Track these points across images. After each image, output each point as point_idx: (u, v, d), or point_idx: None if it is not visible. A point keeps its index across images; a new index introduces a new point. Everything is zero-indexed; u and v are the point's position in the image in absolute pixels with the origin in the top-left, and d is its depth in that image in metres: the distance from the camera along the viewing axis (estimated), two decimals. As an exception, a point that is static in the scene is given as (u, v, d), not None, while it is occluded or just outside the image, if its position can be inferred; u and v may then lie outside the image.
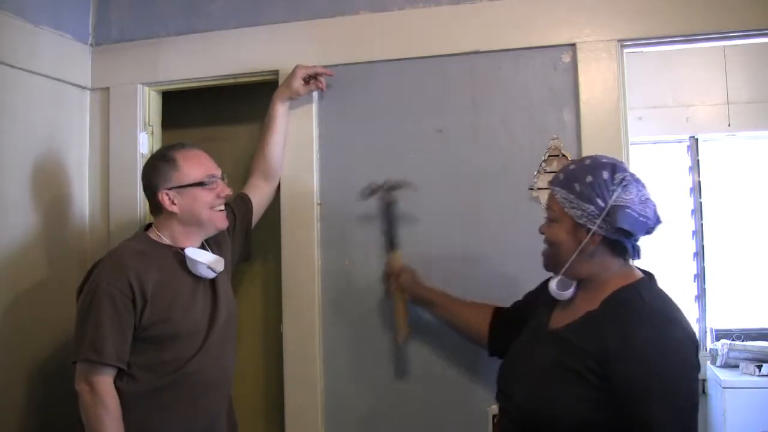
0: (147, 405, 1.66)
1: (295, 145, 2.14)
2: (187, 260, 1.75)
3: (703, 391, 3.18)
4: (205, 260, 1.78)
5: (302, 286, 2.10)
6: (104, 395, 1.59)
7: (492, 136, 2.00)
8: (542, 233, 1.46)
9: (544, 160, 1.94)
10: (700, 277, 3.48)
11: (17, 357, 2.01)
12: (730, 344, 3.16)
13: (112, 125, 2.30)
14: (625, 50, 1.94)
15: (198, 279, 1.78)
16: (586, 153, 1.89)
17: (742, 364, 3.07)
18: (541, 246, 1.48)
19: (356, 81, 2.12)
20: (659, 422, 1.23)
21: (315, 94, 2.13)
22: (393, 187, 1.94)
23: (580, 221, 1.35)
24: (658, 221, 1.39)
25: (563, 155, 1.93)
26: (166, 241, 1.78)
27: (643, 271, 1.44)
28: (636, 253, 1.41)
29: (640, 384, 1.25)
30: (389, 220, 1.93)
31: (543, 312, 1.52)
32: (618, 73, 1.91)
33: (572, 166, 1.42)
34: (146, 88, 2.32)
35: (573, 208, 1.36)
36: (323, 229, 2.12)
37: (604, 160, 1.39)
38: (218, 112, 2.64)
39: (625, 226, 1.32)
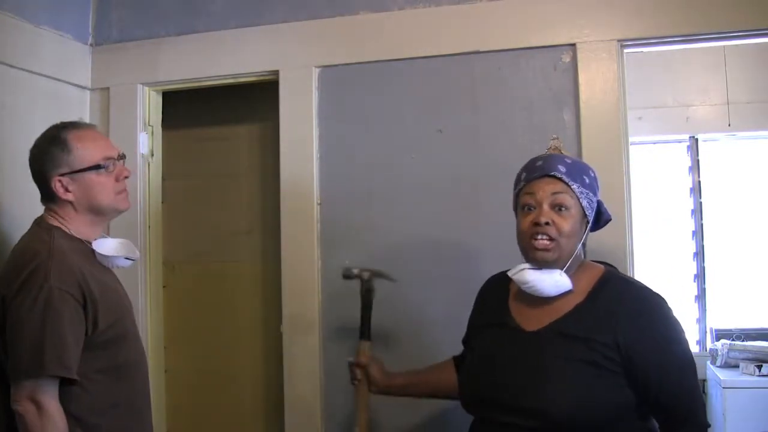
0: (104, 423, 1.50)
1: (295, 145, 2.14)
2: (99, 257, 1.60)
3: (703, 391, 3.18)
4: (118, 252, 1.63)
5: (302, 286, 2.11)
6: (54, 414, 1.39)
7: (492, 136, 2.00)
8: (548, 224, 1.37)
9: (544, 160, 1.94)
10: (700, 277, 3.48)
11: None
12: (730, 344, 3.15)
13: (112, 125, 2.30)
14: (625, 50, 1.95)
15: (109, 269, 1.64)
16: (586, 153, 1.90)
17: (742, 364, 3.07)
18: None
19: (356, 81, 2.12)
20: (691, 385, 1.36)
21: (315, 93, 2.13)
22: (375, 275, 1.80)
23: (587, 212, 1.41)
24: None
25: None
26: (74, 233, 1.58)
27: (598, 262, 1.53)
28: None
29: (664, 357, 1.33)
30: (366, 307, 1.78)
31: (500, 314, 1.48)
32: (618, 73, 1.91)
33: (568, 160, 1.44)
34: (146, 88, 2.32)
35: (584, 199, 1.41)
36: (323, 229, 2.12)
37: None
38: (218, 112, 2.65)
39: (608, 218, 1.49)
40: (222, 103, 2.58)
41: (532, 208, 1.40)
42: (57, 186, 1.55)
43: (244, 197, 2.65)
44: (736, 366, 3.10)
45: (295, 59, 2.15)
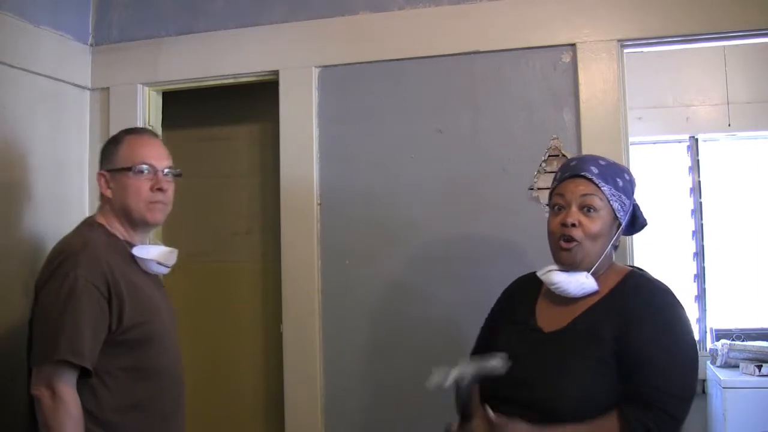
0: (122, 423, 1.50)
1: (295, 145, 2.14)
2: (137, 260, 1.61)
3: (703, 391, 3.18)
4: (154, 256, 1.63)
5: (302, 286, 2.11)
6: (68, 401, 1.40)
7: (492, 136, 2.00)
8: (574, 225, 1.38)
9: (544, 160, 1.95)
10: (700, 277, 3.48)
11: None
12: (730, 344, 3.15)
13: (112, 125, 2.29)
14: (625, 50, 1.95)
15: (149, 274, 1.66)
16: (586, 153, 1.89)
17: (742, 364, 3.07)
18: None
19: (356, 81, 2.12)
20: (688, 383, 1.31)
21: (315, 93, 2.13)
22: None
23: (618, 215, 1.41)
24: None
25: (563, 155, 1.93)
26: (116, 232, 1.61)
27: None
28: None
29: (660, 345, 1.31)
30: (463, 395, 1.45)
31: (526, 313, 1.49)
32: (618, 73, 1.91)
33: (603, 162, 1.43)
34: (146, 88, 2.32)
35: (615, 201, 1.40)
36: (323, 229, 2.12)
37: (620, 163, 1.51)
38: (218, 112, 2.65)
39: (644, 222, 1.48)
40: (222, 103, 2.58)
41: (561, 209, 1.42)
42: (100, 180, 1.62)
43: (244, 197, 2.65)
44: (736, 366, 3.09)
45: (295, 59, 2.15)
